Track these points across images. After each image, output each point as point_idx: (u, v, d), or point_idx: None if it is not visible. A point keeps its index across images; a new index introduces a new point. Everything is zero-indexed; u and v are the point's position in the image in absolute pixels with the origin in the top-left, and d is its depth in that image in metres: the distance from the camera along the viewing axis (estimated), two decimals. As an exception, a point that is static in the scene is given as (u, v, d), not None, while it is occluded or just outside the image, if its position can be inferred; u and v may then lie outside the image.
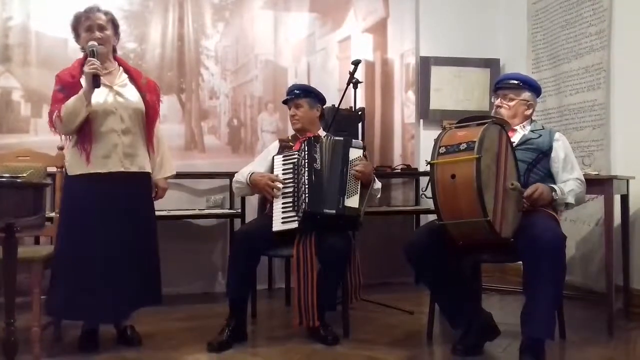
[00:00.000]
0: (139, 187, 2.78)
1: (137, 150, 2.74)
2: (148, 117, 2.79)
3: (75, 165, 2.67)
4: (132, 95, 2.75)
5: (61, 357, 2.63)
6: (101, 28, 2.71)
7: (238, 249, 2.88)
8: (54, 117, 2.62)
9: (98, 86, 2.58)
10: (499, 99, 2.88)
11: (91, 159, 2.64)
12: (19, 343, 2.35)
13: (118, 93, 2.71)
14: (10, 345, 2.30)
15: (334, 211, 2.85)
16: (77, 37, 2.76)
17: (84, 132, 2.64)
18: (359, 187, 2.94)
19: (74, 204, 2.68)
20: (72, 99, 2.58)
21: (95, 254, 2.61)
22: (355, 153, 3.00)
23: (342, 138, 3.06)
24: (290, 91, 3.27)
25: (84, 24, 2.70)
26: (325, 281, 2.82)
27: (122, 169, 2.68)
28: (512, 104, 2.85)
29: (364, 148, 3.11)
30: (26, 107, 3.85)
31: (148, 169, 2.81)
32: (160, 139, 2.92)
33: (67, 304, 2.62)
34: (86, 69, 2.56)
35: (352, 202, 2.90)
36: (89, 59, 2.58)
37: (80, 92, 2.58)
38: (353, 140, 3.09)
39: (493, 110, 2.92)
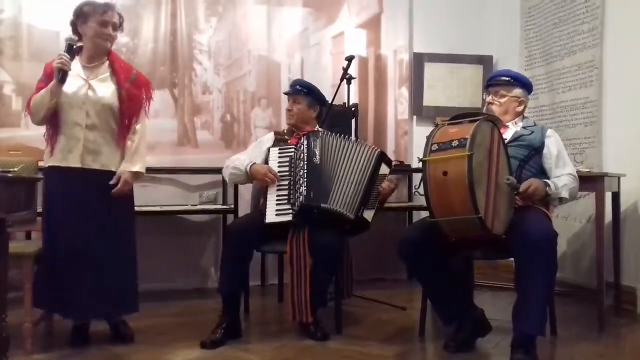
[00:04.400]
0: (101, 186, 2.63)
1: (101, 148, 2.66)
2: (122, 113, 2.69)
3: (45, 157, 2.69)
4: (105, 90, 2.69)
5: (53, 352, 2.61)
6: (114, 26, 2.71)
7: (230, 245, 2.87)
8: (27, 107, 2.65)
9: (63, 82, 2.56)
10: (490, 96, 2.88)
11: (55, 151, 2.63)
12: (11, 338, 2.34)
13: (91, 87, 2.67)
14: (1, 341, 2.28)
15: (353, 216, 2.89)
16: (83, 23, 2.68)
17: (51, 123, 2.64)
18: (376, 203, 2.99)
19: (46, 196, 2.68)
20: (41, 91, 2.58)
21: (59, 250, 2.60)
22: (384, 169, 3.03)
23: (379, 149, 3.06)
24: (293, 85, 3.26)
25: (101, 17, 2.66)
26: (317, 277, 2.81)
27: (79, 165, 2.62)
28: (503, 100, 2.85)
29: (391, 167, 3.14)
30: (17, 101, 3.82)
31: (113, 168, 2.69)
32: (140, 134, 2.76)
33: (44, 297, 2.63)
34: (54, 63, 2.54)
35: (368, 215, 2.95)
36: (60, 53, 2.56)
37: (49, 85, 2.57)
38: (387, 156, 3.11)
39: (484, 107, 2.93)
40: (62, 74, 2.54)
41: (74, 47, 2.61)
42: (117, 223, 2.70)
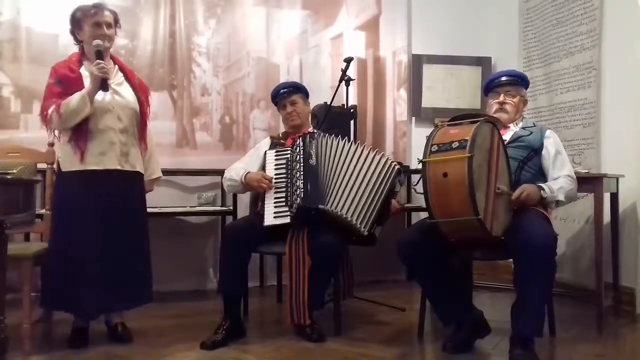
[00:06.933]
0: (132, 186, 2.78)
1: (130, 150, 2.74)
2: (142, 117, 2.78)
3: (69, 162, 2.65)
4: (128, 94, 2.75)
5: (51, 354, 2.61)
6: (109, 25, 2.71)
7: (228, 244, 2.87)
8: (50, 111, 2.59)
9: (106, 90, 2.60)
10: (502, 96, 2.87)
11: (86, 156, 2.62)
12: (9, 340, 2.34)
13: (115, 92, 2.70)
14: (0, 342, 2.28)
15: (367, 232, 2.88)
16: (79, 30, 2.71)
17: (80, 129, 2.62)
18: (384, 219, 2.98)
19: (67, 200, 2.66)
20: (75, 97, 2.55)
21: (87, 251, 2.60)
22: (397, 187, 3.03)
23: (397, 165, 3.03)
24: (280, 90, 3.26)
25: (92, 19, 2.66)
26: (316, 278, 2.81)
27: (118, 167, 2.68)
28: (515, 100, 2.86)
29: (402, 184, 3.14)
30: (16, 103, 3.82)
31: (140, 169, 2.81)
32: (151, 140, 2.94)
33: (59, 297, 2.62)
34: (95, 71, 2.54)
35: (377, 231, 2.95)
36: (97, 60, 2.56)
37: (84, 91, 2.56)
38: (402, 172, 3.07)
39: (494, 108, 2.88)
40: (105, 82, 2.57)
41: (103, 51, 2.62)
42: (140, 220, 2.81)
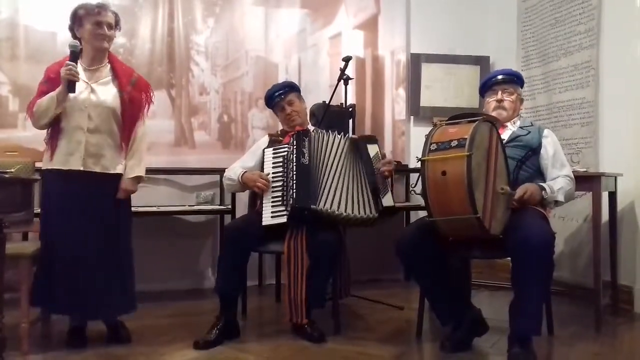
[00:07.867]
0: (103, 188, 2.67)
1: (103, 151, 2.66)
2: (125, 116, 2.71)
3: (45, 160, 2.68)
4: (107, 93, 2.69)
5: (49, 353, 2.61)
6: (109, 26, 2.70)
7: (228, 245, 2.87)
8: (29, 110, 2.63)
9: (73, 91, 2.55)
10: (499, 93, 2.88)
11: (55, 155, 2.62)
12: (7, 339, 2.34)
13: (93, 90, 2.67)
14: (-2, 342, 2.28)
15: (376, 214, 2.90)
16: (79, 27, 2.69)
17: (53, 128, 2.63)
18: (388, 184, 2.98)
19: (44, 199, 2.69)
20: (46, 98, 2.57)
21: (59, 251, 2.60)
22: (373, 149, 3.02)
23: (348, 136, 3.03)
24: (274, 93, 3.24)
25: (94, 18, 2.66)
26: (315, 276, 2.81)
27: (81, 168, 2.61)
28: (513, 97, 2.87)
29: (376, 141, 3.13)
30: (14, 102, 3.81)
31: (115, 171, 2.70)
32: (139, 138, 2.78)
33: (41, 295, 2.63)
34: (63, 73, 2.52)
35: (387, 200, 2.95)
36: (67, 62, 2.54)
37: (55, 91, 2.56)
38: (366, 135, 3.07)
39: (493, 106, 2.89)
40: (71, 85, 2.54)
41: (77, 52, 2.61)
42: (116, 225, 2.71)
